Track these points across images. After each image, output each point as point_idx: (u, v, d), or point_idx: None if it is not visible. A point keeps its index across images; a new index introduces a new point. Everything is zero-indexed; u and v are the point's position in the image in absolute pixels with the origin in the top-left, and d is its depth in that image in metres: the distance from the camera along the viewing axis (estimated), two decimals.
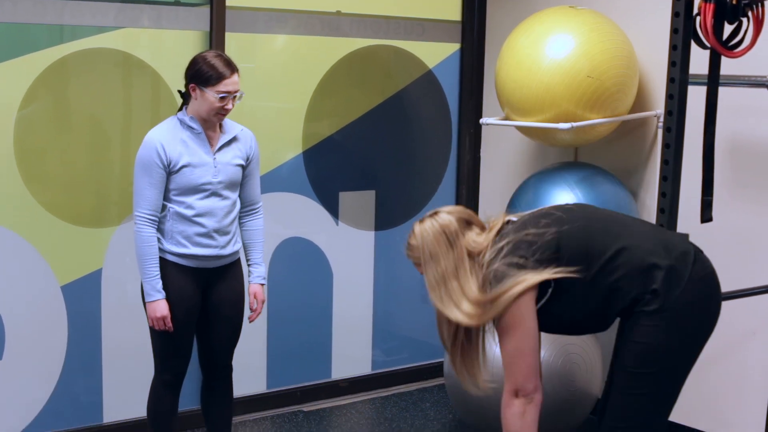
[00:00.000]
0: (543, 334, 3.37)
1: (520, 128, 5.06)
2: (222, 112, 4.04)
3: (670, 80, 3.51)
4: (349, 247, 5.67)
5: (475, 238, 3.30)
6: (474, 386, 3.40)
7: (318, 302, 5.60)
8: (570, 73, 4.65)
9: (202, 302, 4.20)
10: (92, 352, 4.85)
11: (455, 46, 5.92)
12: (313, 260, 5.54)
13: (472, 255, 3.28)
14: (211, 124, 4.09)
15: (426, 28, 5.77)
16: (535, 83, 4.71)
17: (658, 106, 4.97)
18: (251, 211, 4.33)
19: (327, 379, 5.69)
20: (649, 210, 5.03)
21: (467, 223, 3.34)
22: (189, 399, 4.82)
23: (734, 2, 3.48)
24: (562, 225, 3.25)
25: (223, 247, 4.15)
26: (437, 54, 5.85)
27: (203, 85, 3.99)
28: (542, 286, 3.20)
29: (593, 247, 3.21)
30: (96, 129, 4.77)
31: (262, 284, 4.36)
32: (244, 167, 4.20)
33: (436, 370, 5.92)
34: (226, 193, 4.13)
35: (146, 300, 4.05)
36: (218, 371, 4.34)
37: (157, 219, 4.04)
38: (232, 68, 4.03)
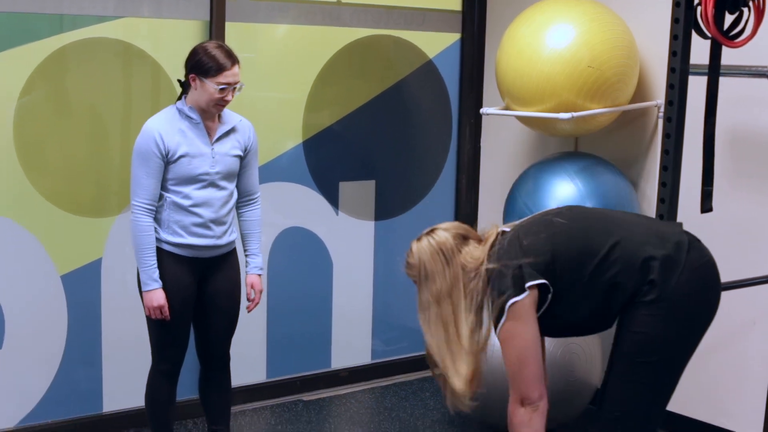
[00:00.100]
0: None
1: (520, 118, 5.06)
2: (221, 103, 4.04)
3: (671, 70, 3.51)
4: (349, 237, 5.67)
5: (472, 253, 3.33)
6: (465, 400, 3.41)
7: (318, 292, 5.60)
8: (571, 63, 4.65)
9: (198, 292, 4.20)
10: (92, 341, 4.85)
11: (456, 36, 5.91)
12: (313, 250, 5.54)
13: (469, 270, 3.30)
14: (209, 115, 4.09)
15: (426, 18, 5.76)
16: (535, 73, 4.71)
17: (659, 96, 4.97)
18: (249, 201, 4.33)
19: (327, 369, 5.70)
20: (649, 200, 5.03)
21: (464, 238, 3.37)
22: (188, 388, 4.82)
23: None
24: (554, 231, 3.29)
25: (220, 237, 4.16)
26: (437, 44, 5.85)
27: (203, 76, 3.98)
28: (542, 292, 3.21)
29: (587, 248, 3.23)
30: (96, 119, 4.76)
31: (260, 275, 4.36)
32: (242, 158, 4.20)
33: None
34: (223, 183, 4.13)
35: (143, 289, 4.05)
36: (216, 361, 4.34)
37: (154, 208, 4.04)
38: (233, 60, 4.02)
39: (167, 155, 4.00)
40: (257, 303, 4.36)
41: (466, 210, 6.02)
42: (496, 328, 3.23)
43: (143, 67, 4.83)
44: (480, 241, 3.38)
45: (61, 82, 4.66)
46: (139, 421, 4.76)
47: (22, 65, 4.51)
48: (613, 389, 3.28)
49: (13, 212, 4.56)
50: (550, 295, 3.22)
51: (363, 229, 5.72)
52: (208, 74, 3.97)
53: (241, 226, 4.34)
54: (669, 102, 3.52)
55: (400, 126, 5.78)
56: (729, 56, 3.70)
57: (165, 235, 4.08)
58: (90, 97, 4.72)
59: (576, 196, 4.81)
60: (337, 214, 5.59)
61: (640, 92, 5.02)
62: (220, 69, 3.97)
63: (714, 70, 3.61)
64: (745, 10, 3.55)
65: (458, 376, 3.31)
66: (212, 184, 4.09)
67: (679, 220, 3.57)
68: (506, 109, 5.06)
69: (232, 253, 4.28)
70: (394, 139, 5.77)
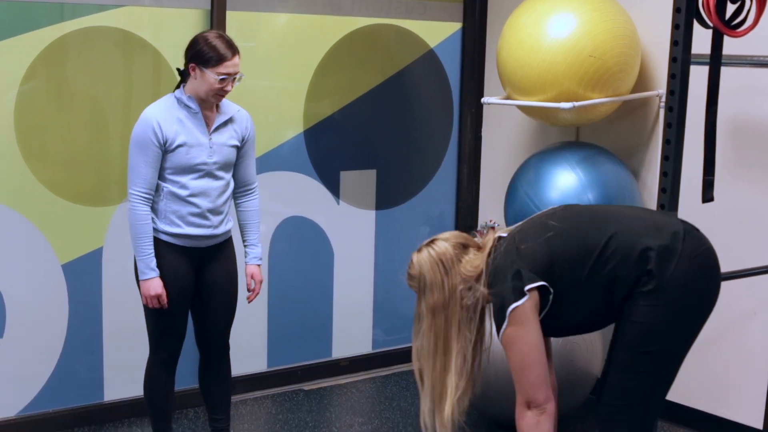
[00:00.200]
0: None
1: (521, 108, 5.05)
2: (221, 93, 4.04)
3: (673, 60, 3.50)
4: (350, 227, 5.67)
5: (472, 261, 3.36)
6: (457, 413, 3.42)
7: (318, 281, 5.60)
8: (572, 53, 4.64)
9: (195, 282, 4.20)
10: (93, 330, 4.86)
11: (457, 25, 5.90)
12: (314, 239, 5.54)
13: (470, 279, 3.32)
14: (208, 104, 4.09)
15: (427, 7, 5.75)
16: (537, 62, 4.70)
17: (660, 86, 4.96)
18: (247, 191, 4.32)
19: (327, 358, 5.70)
20: (650, 190, 5.03)
21: (464, 247, 3.40)
22: (188, 378, 4.82)
23: None
24: (550, 233, 3.30)
25: (216, 226, 4.16)
26: (439, 33, 5.84)
27: (204, 66, 3.97)
28: (543, 294, 3.22)
29: (584, 246, 3.24)
30: (97, 108, 4.76)
31: (259, 265, 4.36)
32: (239, 148, 4.20)
33: None
34: (220, 173, 4.13)
35: (140, 278, 4.05)
36: (215, 350, 4.34)
37: (151, 197, 4.03)
38: (233, 50, 4.02)
39: (165, 144, 3.99)
40: (257, 293, 4.37)
41: (467, 200, 6.02)
42: (498, 333, 3.25)
43: (144, 56, 4.83)
44: (479, 248, 3.40)
45: (62, 71, 4.65)
46: (140, 410, 4.76)
47: (22, 54, 4.51)
48: (613, 379, 3.28)
49: (13, 201, 4.56)
50: (551, 297, 3.23)
51: (364, 218, 5.72)
52: (208, 64, 3.97)
53: (240, 217, 4.34)
54: (670, 91, 3.51)
55: (401, 115, 5.77)
56: (731, 46, 3.69)
57: (162, 225, 4.07)
58: (91, 86, 4.72)
59: (577, 185, 4.81)
60: (338, 203, 5.59)
61: (642, 82, 5.01)
62: (220, 59, 3.96)
63: (715, 60, 3.60)
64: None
65: (436, 396, 3.38)
66: (209, 174, 4.09)
67: (680, 209, 3.57)
68: (507, 98, 5.05)
69: (229, 242, 4.28)
70: (395, 128, 5.76)
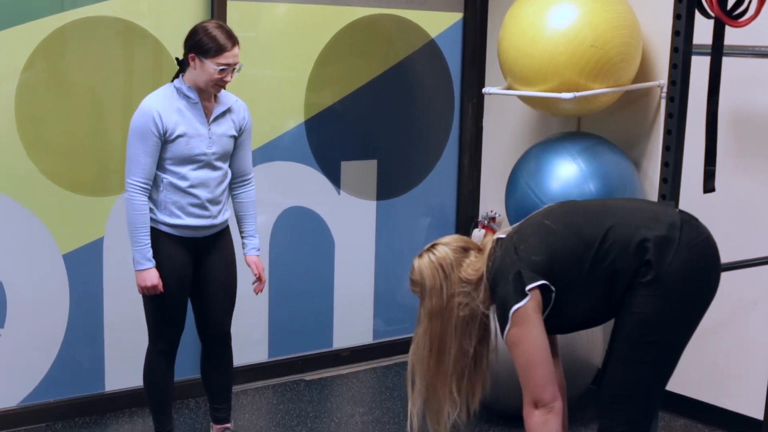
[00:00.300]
0: None
1: (522, 98, 5.05)
2: (221, 84, 4.04)
3: (674, 50, 3.49)
4: (351, 217, 5.67)
5: (474, 264, 3.37)
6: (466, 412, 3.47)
7: (319, 271, 5.60)
8: (573, 43, 4.63)
9: (194, 272, 4.20)
10: (94, 320, 4.86)
11: (458, 16, 5.89)
12: (315, 229, 5.53)
13: (471, 282, 3.34)
14: (207, 95, 4.09)
15: None
16: (538, 52, 4.70)
17: (662, 76, 4.96)
18: (244, 182, 4.32)
19: (328, 349, 5.70)
20: (651, 180, 5.02)
21: (464, 250, 3.41)
22: (190, 368, 4.83)
23: None
24: (548, 231, 3.30)
25: (215, 216, 4.17)
26: (440, 23, 5.83)
27: (203, 56, 3.97)
28: (544, 293, 3.22)
29: (582, 241, 3.24)
30: (97, 98, 4.76)
31: (258, 255, 4.36)
32: (236, 138, 4.20)
33: None
34: (218, 163, 4.13)
35: (136, 268, 4.05)
36: (217, 339, 4.35)
37: (149, 187, 4.03)
38: (233, 40, 4.01)
39: (165, 134, 3.99)
40: (264, 281, 4.37)
41: (467, 190, 6.02)
42: (502, 334, 3.26)
43: (144, 45, 4.82)
44: (480, 250, 3.41)
45: (63, 61, 4.65)
46: (141, 401, 4.76)
47: (23, 44, 4.50)
48: (613, 369, 3.28)
49: (14, 191, 4.56)
50: (553, 295, 3.24)
51: (365, 208, 5.72)
52: (207, 55, 3.96)
53: (237, 208, 4.34)
54: (672, 82, 3.50)
55: (402, 105, 5.77)
56: (732, 36, 3.68)
57: (162, 217, 4.07)
58: (91, 76, 4.71)
59: (578, 176, 4.80)
60: (338, 193, 5.58)
61: (643, 72, 5.01)
62: (220, 50, 3.96)
63: (717, 50, 3.59)
64: None
65: (430, 399, 3.45)
66: (208, 165, 4.09)
67: (681, 200, 3.56)
68: (508, 88, 5.05)
69: (226, 231, 4.29)
70: (396, 118, 5.76)
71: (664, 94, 4.89)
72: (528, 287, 3.19)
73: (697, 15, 3.48)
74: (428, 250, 3.41)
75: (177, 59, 4.14)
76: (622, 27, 4.71)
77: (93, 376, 4.91)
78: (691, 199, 3.91)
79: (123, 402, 4.96)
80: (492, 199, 5.95)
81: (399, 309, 5.91)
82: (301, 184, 5.44)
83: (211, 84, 4.01)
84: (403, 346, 5.78)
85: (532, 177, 4.93)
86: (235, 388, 4.82)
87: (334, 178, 5.56)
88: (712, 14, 3.49)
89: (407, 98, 5.79)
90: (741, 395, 4.78)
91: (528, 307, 3.20)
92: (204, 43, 3.96)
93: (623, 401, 3.25)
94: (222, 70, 3.97)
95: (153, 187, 4.06)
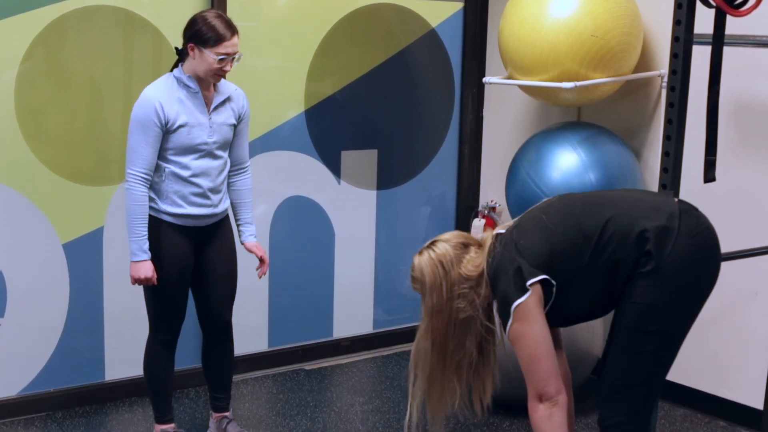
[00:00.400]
0: None
1: (523, 87, 5.04)
2: (220, 73, 4.03)
3: (675, 39, 3.48)
4: (351, 206, 5.66)
5: (474, 260, 3.37)
6: (479, 407, 3.50)
7: (319, 261, 5.60)
8: (574, 32, 4.62)
9: (195, 261, 4.21)
10: (94, 309, 4.86)
11: (458, 5, 5.88)
12: (315, 219, 5.53)
13: (472, 278, 3.34)
14: (206, 84, 4.09)
15: None
16: (538, 42, 4.69)
17: (662, 66, 4.95)
18: (240, 170, 4.33)
19: (328, 338, 5.71)
20: (651, 170, 5.02)
21: (464, 246, 3.41)
22: (190, 358, 4.83)
23: None
24: (547, 224, 3.31)
25: (217, 205, 4.17)
26: (440, 12, 5.82)
27: (202, 46, 3.97)
28: (546, 287, 3.22)
29: (582, 234, 3.24)
30: (97, 87, 4.75)
31: (256, 241, 4.37)
32: (235, 126, 4.20)
33: None
34: (219, 152, 4.14)
35: (131, 259, 4.05)
36: (218, 328, 4.35)
37: (150, 178, 4.03)
38: (232, 30, 4.00)
39: (167, 125, 3.99)
40: (267, 264, 4.38)
41: (468, 180, 6.02)
42: (504, 329, 3.26)
43: (144, 35, 4.81)
44: (480, 246, 3.41)
45: (62, 51, 4.64)
46: (141, 390, 4.77)
47: (23, 33, 4.49)
48: (613, 360, 3.28)
49: (14, 181, 4.56)
50: (554, 289, 3.24)
51: (365, 198, 5.72)
52: (207, 44, 3.96)
53: (233, 196, 4.34)
54: (673, 71, 3.50)
55: (402, 95, 5.76)
56: (733, 26, 3.67)
57: (165, 206, 4.07)
58: (91, 65, 4.71)
59: (578, 166, 4.80)
60: (339, 183, 5.58)
61: (644, 62, 5.00)
62: (219, 39, 3.96)
63: (718, 40, 3.58)
64: None
65: (433, 394, 3.45)
66: (209, 154, 4.09)
67: (681, 190, 3.56)
68: (509, 78, 5.04)
69: (226, 219, 4.30)
70: (396, 108, 5.75)
71: (664, 84, 4.89)
72: (529, 282, 3.20)
73: (698, 4, 3.47)
74: (428, 247, 3.41)
75: (176, 49, 4.13)
76: (622, 16, 4.70)
77: (93, 365, 4.91)
78: (691, 189, 3.90)
79: (123, 391, 4.97)
80: (492, 189, 5.95)
81: (399, 299, 5.91)
82: (302, 174, 5.44)
83: (210, 74, 4.01)
84: (403, 336, 5.82)
85: (533, 167, 4.93)
86: (235, 378, 4.82)
87: (335, 167, 5.55)
88: (713, 3, 3.48)
89: (408, 88, 5.78)
90: (741, 385, 4.78)
91: (529, 302, 3.20)
92: (203, 33, 3.96)
93: (623, 391, 3.26)
94: (221, 59, 3.97)
95: (155, 177, 4.05)
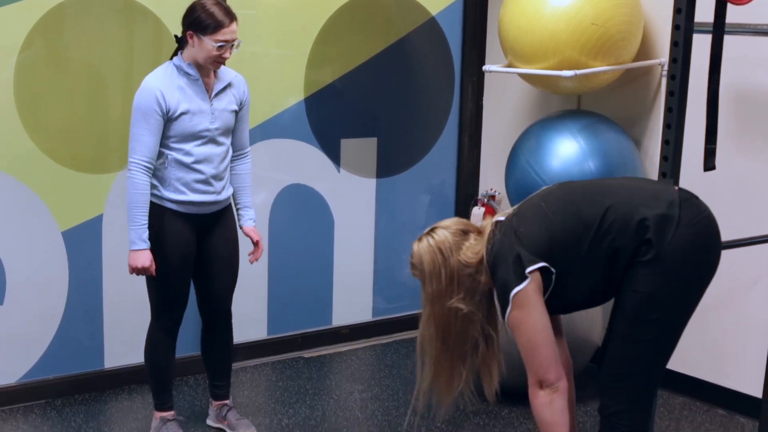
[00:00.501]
0: None
1: (523, 76, 5.04)
2: (220, 60, 4.03)
3: (675, 27, 3.48)
4: (351, 194, 5.66)
5: (473, 247, 3.36)
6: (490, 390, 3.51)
7: (319, 249, 5.60)
8: (574, 20, 4.62)
9: (197, 248, 4.21)
10: (93, 297, 4.86)
11: None
12: (315, 207, 5.53)
13: (471, 265, 3.33)
14: (206, 71, 4.09)
15: None
16: (538, 30, 4.68)
17: (663, 54, 4.94)
18: (240, 155, 4.34)
19: (328, 326, 5.71)
20: (651, 158, 5.02)
21: (464, 233, 3.40)
22: (190, 345, 4.83)
23: None
24: (547, 212, 3.31)
25: (219, 192, 4.17)
26: (440, 0, 5.80)
27: (201, 33, 3.97)
28: (545, 275, 3.22)
29: (581, 222, 3.24)
30: (97, 75, 4.74)
31: (254, 225, 4.37)
32: (237, 112, 4.20)
33: None
34: (221, 139, 4.14)
35: (130, 248, 4.05)
36: (218, 316, 4.36)
37: (152, 167, 4.03)
38: (231, 17, 4.00)
39: (168, 113, 3.99)
40: (262, 249, 4.38)
41: (468, 168, 6.01)
42: (504, 317, 3.27)
43: (144, 23, 4.80)
44: (479, 233, 3.40)
45: (62, 38, 4.63)
46: (140, 378, 4.77)
47: (21, 21, 4.49)
48: (614, 348, 3.28)
49: (13, 168, 4.56)
50: (553, 277, 3.24)
51: (365, 186, 5.71)
52: (206, 31, 3.96)
53: (233, 180, 4.35)
54: (673, 60, 3.49)
55: (402, 83, 5.75)
56: (734, 14, 3.67)
57: (167, 193, 4.08)
58: (91, 53, 4.70)
59: (578, 154, 4.80)
60: (338, 171, 5.58)
61: (644, 50, 4.99)
62: (218, 26, 3.95)
63: (718, 28, 3.58)
64: None
65: (441, 380, 3.46)
66: (212, 141, 4.10)
67: (681, 178, 3.56)
68: (509, 66, 5.04)
69: (229, 207, 4.31)
70: (396, 96, 5.74)
71: (665, 72, 4.88)
72: (528, 270, 3.20)
73: None
74: (427, 234, 3.41)
75: (175, 36, 4.13)
76: (622, 5, 4.69)
77: (92, 353, 4.91)
78: (691, 177, 3.90)
79: (122, 379, 4.97)
80: (492, 177, 5.94)
81: (398, 287, 5.91)
82: (301, 162, 5.43)
83: (210, 61, 4.01)
84: (402, 324, 5.82)
85: (533, 155, 4.93)
86: (235, 365, 4.82)
87: (334, 155, 5.55)
88: None
89: (407, 76, 5.77)
90: (740, 373, 4.78)
91: (528, 290, 3.20)
92: (202, 20, 3.95)
93: (623, 379, 3.26)
94: (220, 46, 3.97)
95: (158, 164, 4.05)
